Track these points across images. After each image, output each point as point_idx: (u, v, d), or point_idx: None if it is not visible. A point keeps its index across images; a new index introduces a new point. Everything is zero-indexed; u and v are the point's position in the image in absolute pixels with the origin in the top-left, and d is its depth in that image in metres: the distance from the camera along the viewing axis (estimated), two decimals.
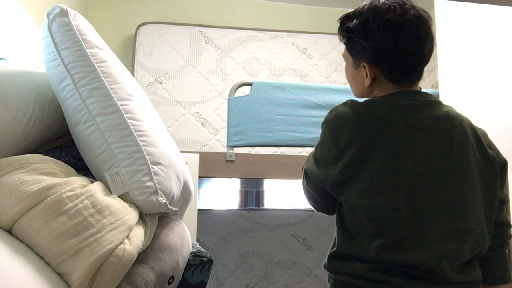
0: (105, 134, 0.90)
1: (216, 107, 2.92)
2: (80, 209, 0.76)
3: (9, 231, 0.76)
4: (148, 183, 0.88)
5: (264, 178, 2.20)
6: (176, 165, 1.00)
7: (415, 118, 1.01)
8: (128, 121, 0.91)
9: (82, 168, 1.02)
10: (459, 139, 1.01)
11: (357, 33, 1.07)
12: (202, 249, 1.15)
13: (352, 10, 1.14)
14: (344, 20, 1.15)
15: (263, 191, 3.09)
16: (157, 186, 0.90)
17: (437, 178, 0.96)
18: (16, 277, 0.65)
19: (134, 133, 0.90)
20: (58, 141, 1.06)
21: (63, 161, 0.92)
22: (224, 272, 2.56)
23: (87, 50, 0.94)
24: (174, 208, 1.01)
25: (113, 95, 0.92)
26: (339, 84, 3.03)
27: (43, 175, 0.79)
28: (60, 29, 0.95)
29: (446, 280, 0.92)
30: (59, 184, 0.77)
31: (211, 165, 2.07)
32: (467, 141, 1.02)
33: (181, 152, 1.22)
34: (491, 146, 1.09)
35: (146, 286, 0.84)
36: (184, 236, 1.05)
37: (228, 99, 2.19)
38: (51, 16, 0.97)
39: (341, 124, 1.00)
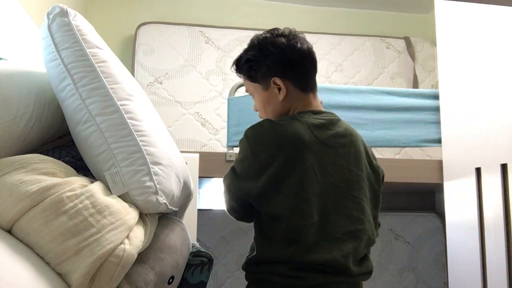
0: (105, 134, 0.90)
1: (216, 107, 2.91)
2: (80, 209, 0.76)
3: (9, 231, 0.76)
4: (148, 183, 0.88)
5: None
6: (176, 165, 1.00)
7: (323, 134, 1.14)
8: (128, 121, 0.91)
9: (82, 168, 1.02)
10: (355, 152, 1.17)
11: (256, 59, 1.21)
12: (202, 249, 1.15)
13: (240, 53, 1.28)
14: (239, 60, 1.27)
15: None
16: (157, 186, 0.90)
17: (339, 187, 1.11)
18: (16, 277, 0.65)
19: (134, 133, 0.90)
20: (58, 141, 1.06)
21: (63, 161, 0.92)
22: (224, 272, 2.56)
23: (87, 50, 0.94)
24: (174, 208, 1.01)
25: (113, 95, 0.92)
26: (339, 84, 3.03)
27: (43, 175, 0.79)
28: (60, 29, 0.95)
29: (349, 273, 1.08)
30: (59, 184, 0.77)
31: (211, 165, 2.07)
32: (360, 153, 1.18)
33: (181, 152, 1.22)
34: (375, 157, 1.26)
35: (146, 286, 0.84)
36: (184, 236, 1.05)
37: (228, 99, 2.18)
38: (51, 16, 0.97)
39: (262, 142, 1.11)
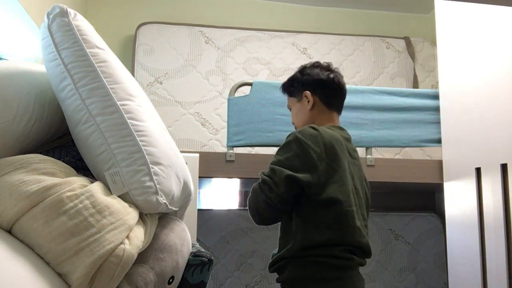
0: (105, 134, 0.89)
1: (216, 107, 2.92)
2: (80, 209, 0.76)
3: (9, 231, 0.76)
4: (148, 183, 0.88)
5: None
6: (176, 165, 1.00)
7: (349, 146, 1.47)
8: (128, 121, 0.91)
9: (82, 168, 1.02)
10: (360, 164, 1.51)
11: (296, 77, 1.58)
12: (202, 249, 1.15)
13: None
14: (284, 82, 1.65)
15: None
16: (157, 186, 0.90)
17: (359, 190, 1.42)
18: (16, 277, 0.65)
19: (134, 133, 0.90)
20: (58, 141, 1.06)
21: (63, 161, 0.92)
22: (224, 272, 2.56)
23: (87, 50, 0.94)
24: (174, 208, 1.01)
25: (113, 95, 0.92)
26: None
27: (43, 175, 0.79)
28: (60, 29, 0.95)
29: (369, 257, 1.38)
30: (59, 184, 0.77)
31: (211, 165, 2.07)
32: (361, 166, 1.52)
33: (181, 152, 1.22)
34: None
35: (146, 286, 0.84)
36: (184, 236, 1.05)
37: (228, 99, 2.18)
38: (51, 16, 0.97)
39: (315, 141, 1.34)
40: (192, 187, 1.17)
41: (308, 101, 1.52)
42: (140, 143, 0.90)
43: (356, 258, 1.32)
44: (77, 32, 0.95)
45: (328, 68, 1.57)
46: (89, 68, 0.93)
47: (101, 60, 0.95)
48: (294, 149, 1.34)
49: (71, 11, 0.98)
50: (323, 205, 1.30)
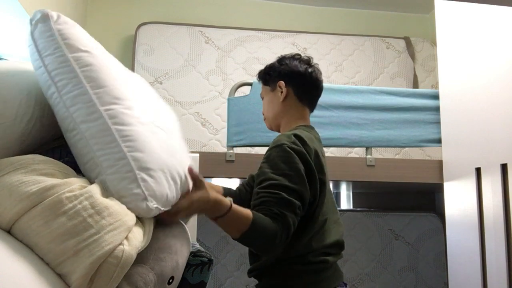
0: (90, 142, 0.87)
1: (216, 107, 2.92)
2: (79, 210, 0.76)
3: (9, 232, 0.76)
4: (136, 190, 0.86)
5: None
6: (172, 165, 0.97)
7: (321, 147, 1.43)
8: (112, 126, 0.88)
9: None
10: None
11: (273, 66, 1.52)
12: (202, 249, 1.15)
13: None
14: (261, 70, 1.58)
15: None
16: (145, 192, 0.87)
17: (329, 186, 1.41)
18: (16, 278, 0.65)
19: (119, 139, 0.87)
20: (58, 141, 1.06)
21: (63, 161, 0.92)
22: (224, 272, 2.56)
23: (69, 55, 0.90)
24: (170, 208, 0.99)
25: (96, 100, 0.89)
26: (339, 84, 3.03)
27: (42, 175, 0.79)
28: (42, 35, 0.92)
29: (343, 249, 1.39)
30: (59, 185, 0.77)
31: (211, 165, 2.07)
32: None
33: None
34: None
35: (146, 286, 0.84)
36: (184, 236, 1.05)
37: (228, 99, 2.18)
38: (33, 22, 0.94)
39: (298, 153, 1.28)
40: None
41: (281, 92, 1.46)
42: (124, 149, 0.87)
43: (331, 258, 1.30)
44: (58, 37, 0.91)
45: (307, 62, 1.51)
46: (71, 74, 0.89)
47: (84, 64, 0.91)
48: (285, 161, 1.26)
49: (54, 15, 0.94)
50: (311, 219, 1.29)
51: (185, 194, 1.04)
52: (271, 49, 3.13)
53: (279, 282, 1.29)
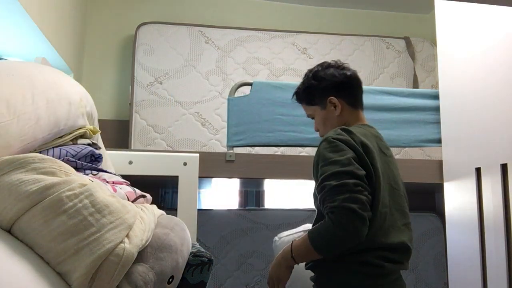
0: None
1: (216, 107, 2.92)
2: (80, 208, 0.76)
3: (9, 231, 0.76)
4: None
5: (264, 178, 2.19)
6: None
7: (381, 144, 1.39)
8: None
9: (82, 167, 1.02)
10: (394, 162, 1.43)
11: (312, 85, 1.47)
12: (202, 249, 1.15)
13: (298, 85, 1.56)
14: (298, 91, 1.54)
15: (263, 191, 3.09)
16: None
17: (393, 188, 1.33)
18: (16, 277, 0.65)
19: None
20: (58, 141, 1.06)
21: (63, 160, 0.92)
22: (224, 272, 2.56)
23: None
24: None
25: None
26: None
27: (42, 174, 0.79)
28: None
29: (408, 255, 1.32)
30: (59, 184, 0.77)
31: (211, 165, 2.07)
32: (396, 163, 1.44)
33: (181, 152, 1.22)
34: None
35: (145, 286, 0.84)
36: (184, 236, 1.05)
37: (228, 99, 2.18)
38: None
39: (351, 141, 1.28)
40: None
41: (335, 107, 1.43)
42: None
43: (389, 265, 1.23)
44: None
45: (341, 66, 1.49)
46: None
47: None
48: (338, 152, 1.25)
49: None
50: (370, 207, 1.23)
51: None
52: (271, 49, 3.13)
53: (331, 277, 1.26)
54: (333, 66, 1.48)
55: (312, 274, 1.35)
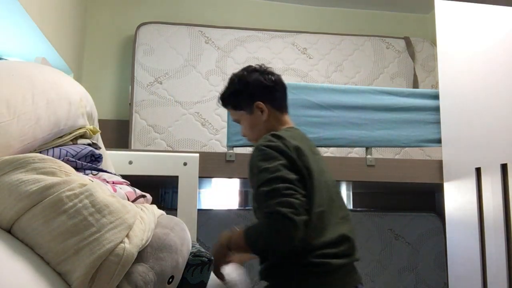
0: None
1: (216, 107, 2.91)
2: (80, 208, 0.76)
3: (9, 231, 0.76)
4: None
5: None
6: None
7: (311, 144, 1.42)
8: None
9: (82, 167, 1.02)
10: (322, 159, 1.45)
11: (238, 90, 1.46)
12: (202, 249, 1.15)
13: (223, 90, 1.54)
14: (223, 95, 1.52)
15: None
16: None
17: (329, 184, 1.36)
18: (16, 277, 0.65)
19: None
20: (58, 141, 1.06)
21: (63, 160, 0.92)
22: None
23: None
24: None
25: None
26: (339, 84, 3.03)
27: (42, 174, 0.79)
28: None
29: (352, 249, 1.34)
30: (59, 184, 0.77)
31: (211, 165, 2.07)
32: (323, 160, 1.46)
33: (181, 152, 1.22)
34: None
35: (146, 286, 0.84)
36: (184, 236, 1.05)
37: None
38: None
39: (284, 148, 1.29)
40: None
41: (262, 111, 1.44)
42: None
43: (335, 261, 1.24)
44: None
45: (265, 70, 1.49)
46: None
47: None
48: (268, 160, 1.26)
49: None
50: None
51: None
52: (271, 49, 3.13)
53: (280, 283, 1.28)
54: (258, 70, 1.48)
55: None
